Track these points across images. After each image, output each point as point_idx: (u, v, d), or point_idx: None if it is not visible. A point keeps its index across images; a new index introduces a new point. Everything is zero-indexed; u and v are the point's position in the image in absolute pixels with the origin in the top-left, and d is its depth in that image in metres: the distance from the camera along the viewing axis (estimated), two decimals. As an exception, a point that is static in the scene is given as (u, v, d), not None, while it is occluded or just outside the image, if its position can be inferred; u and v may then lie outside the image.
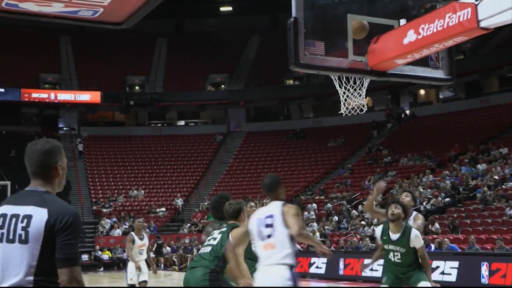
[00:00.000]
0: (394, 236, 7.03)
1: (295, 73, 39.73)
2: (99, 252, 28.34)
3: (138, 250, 10.93)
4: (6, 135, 38.22)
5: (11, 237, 2.93)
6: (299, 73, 39.46)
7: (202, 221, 30.57)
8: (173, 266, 25.89)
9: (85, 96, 39.77)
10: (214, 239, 6.13)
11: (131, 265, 10.93)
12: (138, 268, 10.80)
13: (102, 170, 37.55)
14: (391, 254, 7.08)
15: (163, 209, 32.98)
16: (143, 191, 35.03)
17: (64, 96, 39.72)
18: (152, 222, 30.27)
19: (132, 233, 11.10)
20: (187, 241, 27.88)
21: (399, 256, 7.01)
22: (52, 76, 42.51)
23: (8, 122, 39.26)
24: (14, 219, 2.95)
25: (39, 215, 2.92)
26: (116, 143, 40.38)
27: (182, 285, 6.08)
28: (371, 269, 17.48)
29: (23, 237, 2.90)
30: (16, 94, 37.98)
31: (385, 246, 7.10)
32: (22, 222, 2.92)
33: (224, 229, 6.18)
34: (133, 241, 10.88)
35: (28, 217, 2.92)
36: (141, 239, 11.02)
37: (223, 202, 6.34)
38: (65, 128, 41.24)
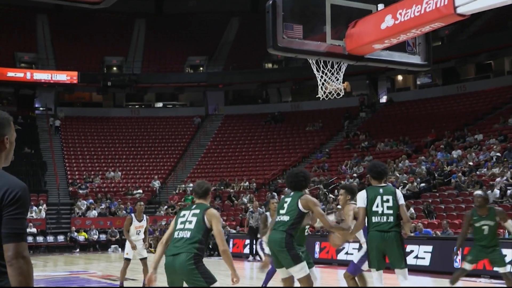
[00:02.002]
0: None
1: (275, 56, 39.69)
2: (75, 233, 28.23)
3: (136, 230, 11.79)
4: (-19, 115, 37.69)
5: None
6: (278, 57, 39.44)
7: (179, 203, 30.55)
8: (150, 249, 25.88)
9: (62, 76, 39.34)
10: (190, 222, 6.19)
11: (128, 243, 11.81)
12: (134, 247, 11.59)
13: (79, 151, 37.28)
14: None
15: (140, 191, 32.89)
16: (120, 173, 34.89)
17: (41, 75, 39.25)
18: (128, 204, 30.18)
19: (132, 214, 12.14)
20: (163, 223, 27.86)
21: None
22: (28, 55, 41.95)
23: (-17, 101, 38.78)
24: None
25: None
26: (93, 124, 40.09)
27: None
28: (346, 253, 17.73)
29: None
30: (-8, 73, 37.46)
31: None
32: None
33: (197, 211, 6.26)
34: (130, 223, 11.77)
35: None
36: (140, 221, 11.90)
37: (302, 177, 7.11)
38: (41, 108, 40.80)
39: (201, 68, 43.97)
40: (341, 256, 18.07)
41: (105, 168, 35.34)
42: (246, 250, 21.68)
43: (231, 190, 31.23)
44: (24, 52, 41.81)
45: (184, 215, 6.35)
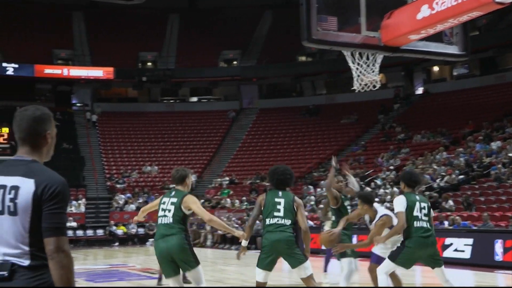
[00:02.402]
0: None
1: (308, 49, 39.51)
2: (114, 227, 28.61)
3: None
4: (20, 111, 38.38)
5: (0, 208, 2.87)
6: (312, 49, 39.24)
7: (215, 197, 30.74)
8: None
9: (98, 72, 39.81)
10: (169, 211, 6.92)
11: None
12: None
13: (116, 146, 37.75)
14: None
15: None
16: (156, 167, 35.21)
17: (77, 72, 39.80)
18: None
19: None
20: (199, 217, 28.04)
21: None
22: (65, 52, 42.55)
23: (22, 98, 39.30)
24: (1, 190, 2.87)
25: (26, 186, 2.84)
26: (129, 119, 40.51)
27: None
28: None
29: (12, 209, 2.84)
30: (30, 70, 38.09)
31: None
32: (9, 193, 2.85)
33: (175, 199, 6.91)
34: None
35: (15, 189, 2.85)
36: None
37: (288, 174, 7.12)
38: (78, 104, 41.40)
39: (235, 62, 44.03)
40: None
41: (142, 163, 35.70)
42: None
43: (267, 184, 31.22)
44: (61, 49, 42.41)
45: (164, 202, 7.03)
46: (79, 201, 29.79)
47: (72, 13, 44.93)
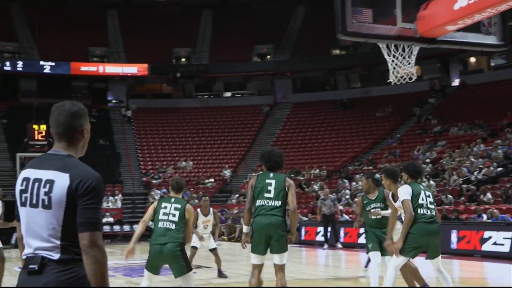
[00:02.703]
0: None
1: (342, 42, 39.27)
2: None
3: (203, 225, 11.88)
4: (57, 109, 38.99)
5: (34, 201, 2.90)
6: (346, 43, 39.00)
7: (250, 191, 30.75)
8: (222, 237, 26.21)
9: (133, 69, 40.21)
10: (173, 215, 7.20)
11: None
12: (201, 238, 11.46)
13: (151, 141, 38.09)
14: None
15: (212, 180, 33.30)
16: (191, 162, 35.42)
17: (113, 69, 40.26)
18: (200, 193, 30.63)
19: (198, 209, 11.99)
20: (235, 211, 28.15)
21: None
22: (100, 49, 43.08)
23: (59, 96, 39.88)
24: (36, 184, 2.91)
25: (61, 181, 2.87)
26: (164, 115, 40.83)
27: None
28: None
29: (46, 203, 2.87)
30: (66, 68, 38.67)
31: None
32: (44, 187, 2.88)
33: (178, 205, 7.25)
34: (197, 218, 11.71)
35: (50, 182, 2.88)
36: (206, 215, 11.97)
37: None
38: (114, 101, 41.89)
39: (269, 57, 44.00)
40: (361, 240, 18.83)
41: (177, 158, 35.94)
42: (318, 238, 21.60)
43: (302, 178, 31.18)
44: (96, 47, 42.95)
45: (166, 207, 7.30)
46: (116, 197, 30.13)
47: (107, 11, 45.43)
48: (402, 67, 7.65)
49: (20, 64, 37.98)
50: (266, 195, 6.90)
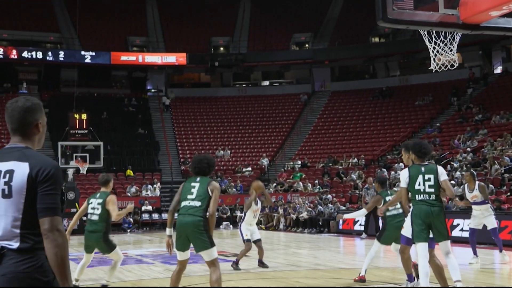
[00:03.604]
0: None
1: (381, 30, 38.85)
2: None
3: (253, 214, 11.86)
4: (97, 98, 39.60)
5: None
6: (385, 30, 38.58)
7: (287, 180, 30.75)
8: (260, 225, 26.31)
9: (172, 58, 40.46)
10: (97, 209, 8.77)
11: (244, 226, 11.82)
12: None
13: (189, 130, 38.33)
14: None
15: (249, 169, 33.37)
16: (229, 151, 35.55)
17: (152, 58, 40.59)
18: (238, 181, 30.74)
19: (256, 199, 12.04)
20: (273, 200, 28.17)
21: None
22: (139, 39, 43.47)
23: (99, 85, 40.64)
24: None
25: (21, 169, 2.95)
26: (202, 104, 41.02)
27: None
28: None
29: (6, 192, 2.94)
30: (106, 57, 39.12)
31: None
32: (4, 177, 2.96)
33: (100, 200, 8.77)
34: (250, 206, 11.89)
35: (10, 172, 2.96)
36: (257, 204, 11.94)
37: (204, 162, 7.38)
38: (153, 90, 42.27)
39: (307, 45, 43.78)
40: (357, 227, 20.02)
41: (215, 147, 36.10)
42: (357, 227, 21.49)
43: (340, 167, 31.02)
44: (136, 36, 43.36)
45: (92, 202, 8.86)
46: (155, 185, 30.43)
47: (146, 0, 45.75)
48: (443, 54, 7.53)
49: (61, 54, 38.56)
50: (188, 196, 7.20)
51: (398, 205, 8.79)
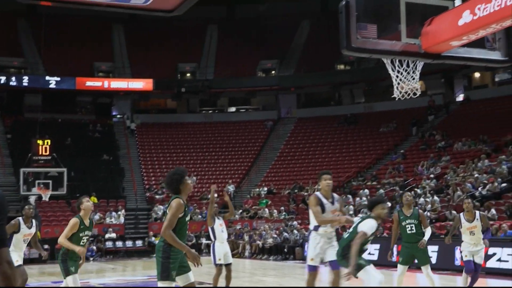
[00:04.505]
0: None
1: (346, 58, 39.36)
2: (153, 238, 28.80)
3: (221, 229, 11.44)
4: (62, 123, 39.13)
5: None
6: (350, 58, 39.08)
7: (253, 207, 30.70)
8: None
9: (138, 84, 40.33)
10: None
11: (218, 245, 11.26)
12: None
13: (155, 157, 38.09)
14: None
15: (215, 195, 33.18)
16: (195, 178, 35.37)
17: (118, 84, 40.38)
18: (204, 208, 30.57)
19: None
20: (238, 227, 28.07)
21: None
22: (105, 64, 43.26)
23: (64, 111, 40.20)
24: None
25: None
26: (168, 130, 40.87)
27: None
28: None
29: None
30: (71, 83, 38.80)
31: None
32: None
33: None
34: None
35: None
36: (218, 219, 11.75)
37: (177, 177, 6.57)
38: (118, 116, 41.97)
39: (273, 72, 44.11)
40: (365, 256, 19.10)
41: (181, 173, 35.83)
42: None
43: (305, 193, 31.10)
44: (102, 62, 43.13)
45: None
46: (119, 212, 30.08)
47: (112, 26, 45.64)
48: (406, 83, 7.65)
49: (25, 79, 38.12)
50: (163, 218, 6.93)
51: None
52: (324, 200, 8.33)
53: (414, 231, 10.12)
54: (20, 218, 9.77)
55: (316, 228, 8.36)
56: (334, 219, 8.16)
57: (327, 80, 40.53)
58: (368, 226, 7.67)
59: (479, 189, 22.79)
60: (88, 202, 8.61)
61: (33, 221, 9.95)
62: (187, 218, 6.52)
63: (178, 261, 6.32)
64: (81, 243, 8.40)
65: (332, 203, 8.36)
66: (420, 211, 10.64)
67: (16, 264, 9.18)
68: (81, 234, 8.37)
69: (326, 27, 37.43)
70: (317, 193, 8.44)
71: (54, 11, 36.75)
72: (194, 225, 28.59)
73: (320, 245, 8.27)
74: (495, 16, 6.23)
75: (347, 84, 41.03)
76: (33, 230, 9.87)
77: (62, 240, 8.23)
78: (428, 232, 10.26)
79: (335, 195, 8.52)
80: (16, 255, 9.46)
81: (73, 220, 8.35)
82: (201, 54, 44.94)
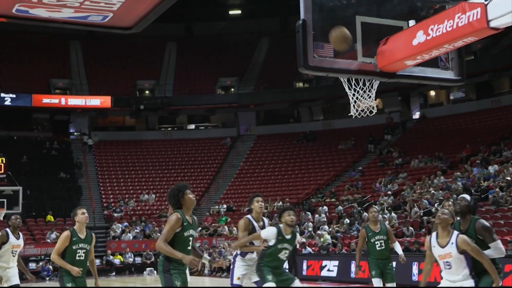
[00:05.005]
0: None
1: (305, 76, 39.72)
2: (111, 257, 28.41)
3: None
4: (17, 141, 38.43)
5: None
6: (309, 76, 39.45)
7: (213, 224, 30.58)
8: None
9: (96, 101, 39.94)
10: None
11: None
12: None
13: (113, 174, 37.66)
14: None
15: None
16: (154, 195, 35.09)
17: (75, 101, 39.91)
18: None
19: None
20: (198, 245, 27.90)
21: None
22: (62, 81, 42.71)
23: (20, 128, 39.48)
24: None
25: None
26: (126, 147, 40.50)
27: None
28: (328, 270, 18.80)
29: None
30: (27, 100, 38.18)
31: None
32: None
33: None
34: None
35: None
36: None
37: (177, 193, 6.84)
38: (76, 133, 41.41)
39: (232, 89, 44.21)
40: (324, 272, 19.81)
41: (139, 191, 35.58)
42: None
43: (265, 211, 31.11)
44: (59, 79, 42.59)
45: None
46: (77, 230, 29.59)
47: (70, 43, 45.17)
48: (362, 101, 7.76)
49: (-21, 95, 37.40)
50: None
51: None
52: (255, 224, 8.20)
53: (384, 247, 10.09)
54: (7, 229, 9.24)
55: (243, 255, 8.27)
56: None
57: (286, 98, 40.80)
58: (265, 231, 7.80)
59: (435, 205, 23.16)
60: (83, 215, 8.33)
61: (20, 233, 9.37)
62: (187, 234, 6.44)
63: (183, 273, 6.28)
64: (78, 257, 8.01)
65: (263, 227, 8.17)
66: (388, 226, 10.75)
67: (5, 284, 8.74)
68: (74, 247, 7.96)
69: (285, 45, 37.78)
70: (249, 216, 8.25)
71: (9, 27, 36.22)
72: (153, 243, 28.25)
73: (245, 267, 8.18)
74: (447, 37, 6.39)
75: (306, 102, 41.36)
76: (21, 242, 9.34)
77: (55, 256, 7.88)
78: (398, 246, 10.40)
79: (265, 219, 8.38)
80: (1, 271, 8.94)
81: (65, 233, 8.03)
82: (159, 72, 44.80)
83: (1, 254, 9.03)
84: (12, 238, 9.19)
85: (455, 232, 6.62)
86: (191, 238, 6.49)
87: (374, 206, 12.39)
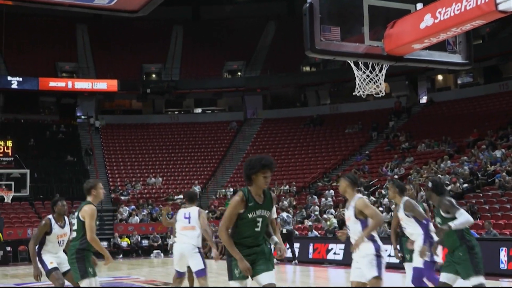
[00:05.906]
0: None
1: (312, 59, 39.58)
2: (118, 239, 28.58)
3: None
4: (24, 124, 38.56)
5: None
6: (316, 60, 39.32)
7: (220, 208, 30.67)
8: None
9: (102, 85, 39.97)
10: (74, 224, 7.61)
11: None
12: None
13: (120, 158, 37.77)
14: None
15: (181, 196, 33.07)
16: (160, 179, 35.20)
17: (82, 84, 39.96)
18: (170, 209, 30.37)
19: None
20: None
21: None
22: (69, 64, 42.75)
23: (27, 111, 39.61)
24: None
25: None
26: (133, 131, 40.57)
27: None
28: (334, 253, 18.78)
29: None
30: (34, 83, 38.26)
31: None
32: None
33: (77, 212, 7.51)
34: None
35: None
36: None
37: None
38: (83, 117, 41.50)
39: (239, 73, 44.13)
40: (330, 256, 19.87)
41: (146, 175, 35.70)
42: (289, 254, 21.58)
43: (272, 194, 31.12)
44: (65, 62, 42.62)
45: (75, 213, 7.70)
46: (84, 213, 29.76)
47: (76, 26, 45.15)
48: (370, 84, 7.75)
49: (-14, 79, 37.50)
50: None
51: None
52: None
53: None
54: (51, 216, 8.65)
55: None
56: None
57: (293, 81, 40.71)
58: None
59: (442, 189, 23.12)
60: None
61: (66, 218, 8.81)
62: (252, 215, 5.74)
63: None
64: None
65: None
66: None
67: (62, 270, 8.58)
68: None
69: (292, 28, 37.59)
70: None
71: (15, 10, 36.16)
72: (160, 226, 28.40)
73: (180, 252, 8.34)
74: (455, 20, 6.35)
75: (313, 85, 41.25)
76: (67, 229, 8.66)
77: (94, 236, 7.44)
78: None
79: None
80: (50, 256, 8.48)
81: (91, 208, 7.63)
82: (166, 55, 44.74)
83: (47, 243, 8.51)
84: (56, 227, 8.56)
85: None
86: (259, 219, 5.77)
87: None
